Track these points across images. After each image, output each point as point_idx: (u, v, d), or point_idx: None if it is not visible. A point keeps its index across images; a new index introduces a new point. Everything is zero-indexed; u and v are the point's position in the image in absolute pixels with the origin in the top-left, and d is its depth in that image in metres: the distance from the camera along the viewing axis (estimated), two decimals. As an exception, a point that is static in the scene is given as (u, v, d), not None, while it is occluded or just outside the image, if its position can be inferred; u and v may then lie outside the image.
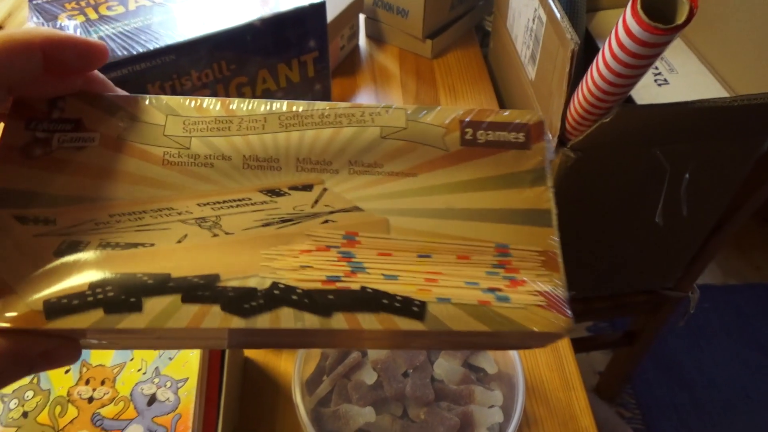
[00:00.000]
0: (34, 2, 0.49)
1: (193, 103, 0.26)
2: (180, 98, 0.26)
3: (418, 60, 0.87)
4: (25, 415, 0.36)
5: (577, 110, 0.60)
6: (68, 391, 0.37)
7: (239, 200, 0.25)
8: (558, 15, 0.59)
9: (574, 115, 0.60)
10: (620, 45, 0.48)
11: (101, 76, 0.26)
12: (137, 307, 0.22)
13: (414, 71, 0.85)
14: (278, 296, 0.23)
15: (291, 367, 0.50)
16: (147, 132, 0.25)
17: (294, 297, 0.23)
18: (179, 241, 0.24)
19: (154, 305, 0.22)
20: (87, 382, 0.38)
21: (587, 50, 0.77)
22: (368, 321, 0.23)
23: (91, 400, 0.37)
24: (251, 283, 0.23)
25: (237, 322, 0.22)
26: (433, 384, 0.43)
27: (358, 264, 0.24)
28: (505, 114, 0.28)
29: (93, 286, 0.22)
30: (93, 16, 0.47)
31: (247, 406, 0.49)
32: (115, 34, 0.46)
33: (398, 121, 0.27)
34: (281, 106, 0.26)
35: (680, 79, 0.77)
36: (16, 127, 0.25)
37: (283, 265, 0.23)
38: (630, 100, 0.74)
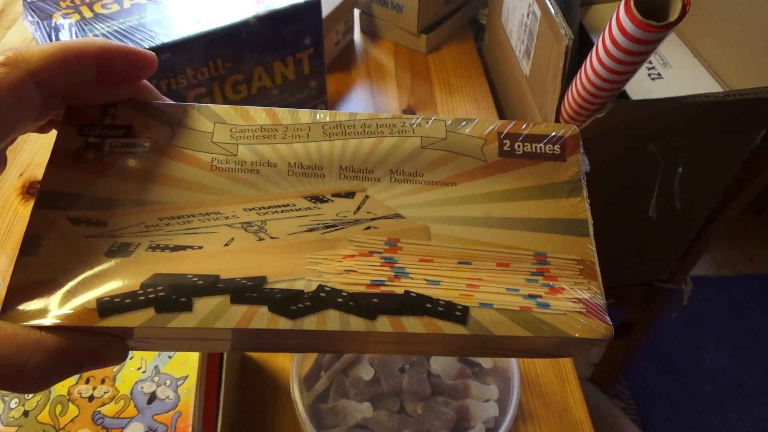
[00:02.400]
0: (29, 0, 0.49)
1: (240, 111, 0.27)
2: (227, 107, 0.27)
3: (412, 55, 0.87)
4: (26, 414, 0.36)
5: (572, 105, 0.60)
6: (69, 390, 0.38)
7: (284, 206, 0.25)
8: (552, 10, 0.59)
9: (569, 110, 0.61)
10: (614, 42, 0.48)
11: (149, 84, 0.27)
12: (188, 307, 0.22)
13: (409, 66, 0.85)
14: (324, 299, 0.23)
15: (288, 364, 0.51)
16: (195, 139, 0.26)
17: (340, 300, 0.23)
18: (226, 245, 0.24)
19: (204, 305, 0.23)
20: (87, 381, 0.38)
21: (581, 44, 0.78)
22: (412, 324, 0.23)
23: (91, 398, 0.37)
24: (298, 285, 0.23)
25: (284, 323, 0.22)
26: (429, 379, 0.43)
27: (400, 269, 0.24)
28: (542, 126, 0.29)
29: (144, 285, 0.23)
30: (88, 14, 0.47)
31: (246, 402, 0.49)
32: (110, 33, 0.46)
33: (438, 132, 0.28)
34: (324, 116, 0.27)
35: (674, 73, 0.78)
36: (69, 133, 0.25)
37: (328, 269, 0.24)
38: (624, 94, 0.75)
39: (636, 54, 0.48)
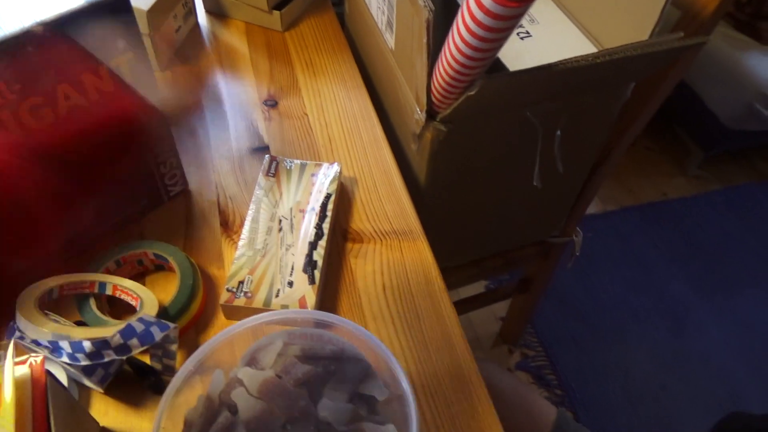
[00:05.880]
0: None
1: None
2: None
3: (267, 34, 0.78)
4: None
5: (440, 83, 0.55)
6: None
7: None
8: (406, -20, 0.53)
9: (438, 87, 0.56)
10: (474, 20, 0.43)
11: None
12: None
13: (264, 47, 0.76)
14: None
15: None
16: None
17: None
18: None
19: None
20: None
21: (450, 12, 0.72)
22: None
23: None
24: None
25: None
26: (319, 430, 0.38)
27: None
28: None
29: None
30: None
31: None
32: None
33: None
34: None
35: (542, 29, 0.75)
36: None
37: None
38: (495, 57, 0.71)
39: (499, 30, 0.43)
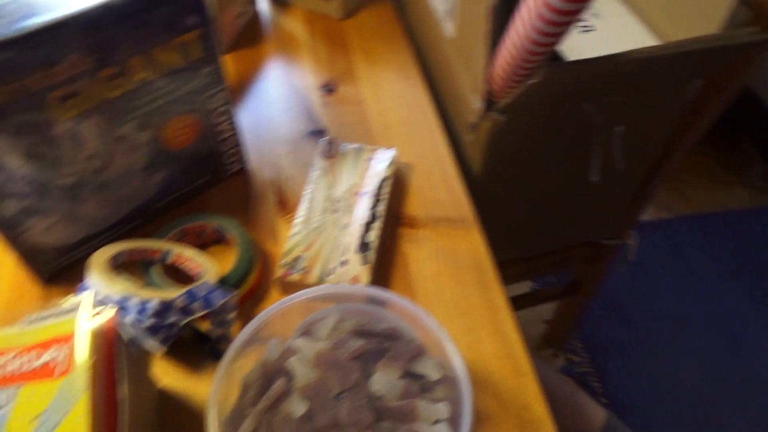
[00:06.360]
0: None
1: None
2: None
3: (327, 22, 0.79)
4: None
5: (502, 71, 0.54)
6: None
7: None
8: (472, -35, 0.53)
9: (500, 76, 0.55)
10: (545, 3, 0.43)
11: None
12: None
13: (323, 35, 0.78)
14: None
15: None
16: None
17: None
18: None
19: None
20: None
21: (510, 1, 0.72)
22: None
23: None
24: None
25: None
26: (371, 404, 0.38)
27: None
28: None
29: None
30: None
31: (167, 447, 0.43)
32: (-67, 31, 0.37)
33: None
34: None
35: (605, 23, 0.73)
36: None
37: None
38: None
39: (569, 13, 0.42)
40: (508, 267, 0.90)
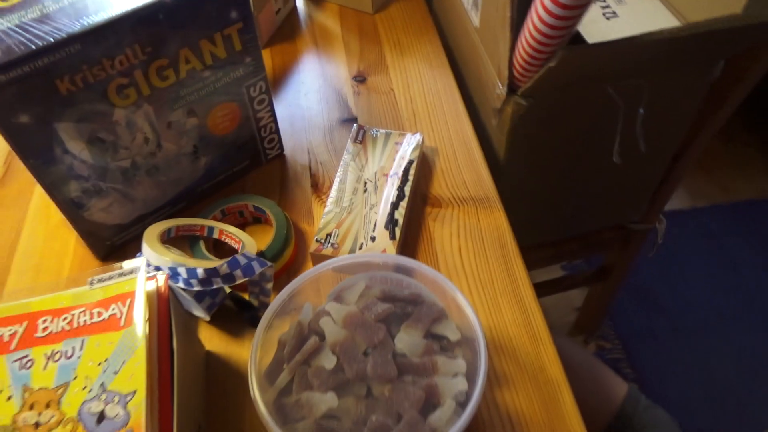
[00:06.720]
0: None
1: None
2: None
3: (359, 16, 0.83)
4: (-31, 448, 0.34)
5: (522, 56, 0.57)
6: (12, 419, 0.36)
7: None
8: (492, -44, 0.56)
9: (520, 60, 0.58)
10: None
11: None
12: None
13: (356, 29, 0.81)
14: None
15: (253, 357, 0.49)
16: None
17: None
18: None
19: None
20: (31, 407, 0.36)
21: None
22: None
23: (37, 425, 0.35)
24: None
25: None
26: (395, 359, 0.42)
27: None
28: None
29: None
30: (-15, 10, 0.43)
31: (213, 400, 0.48)
32: (10, 29, 0.42)
33: None
34: None
35: (629, 9, 0.75)
36: None
37: None
38: (578, 35, 0.72)
39: (579, -4, 0.45)
40: (536, 250, 0.92)
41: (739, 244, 1.46)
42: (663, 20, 0.73)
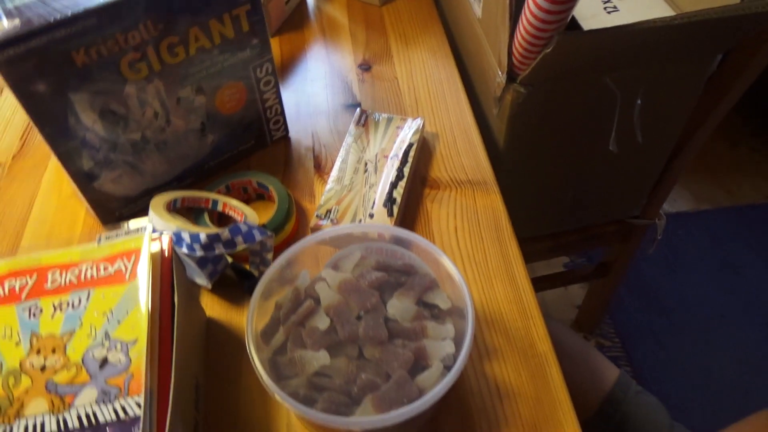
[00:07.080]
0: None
1: None
2: None
3: (366, 8, 0.85)
4: (-21, 389, 0.36)
5: (521, 43, 0.59)
6: (20, 363, 0.38)
7: None
8: (493, -54, 0.58)
9: (519, 48, 0.60)
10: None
11: None
12: None
13: (363, 20, 0.84)
14: None
15: (252, 323, 0.51)
16: None
17: None
18: None
19: None
20: (38, 352, 0.38)
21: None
22: None
23: (43, 368, 0.37)
24: None
25: None
26: (386, 324, 0.44)
27: None
28: None
29: None
30: (6, -16, 0.46)
31: (212, 361, 0.49)
32: (32, 3, 0.45)
33: None
34: None
35: (630, 4, 0.77)
36: None
37: None
38: (580, 29, 0.74)
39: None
40: (536, 242, 0.93)
41: (742, 247, 1.46)
42: (662, 14, 0.74)
